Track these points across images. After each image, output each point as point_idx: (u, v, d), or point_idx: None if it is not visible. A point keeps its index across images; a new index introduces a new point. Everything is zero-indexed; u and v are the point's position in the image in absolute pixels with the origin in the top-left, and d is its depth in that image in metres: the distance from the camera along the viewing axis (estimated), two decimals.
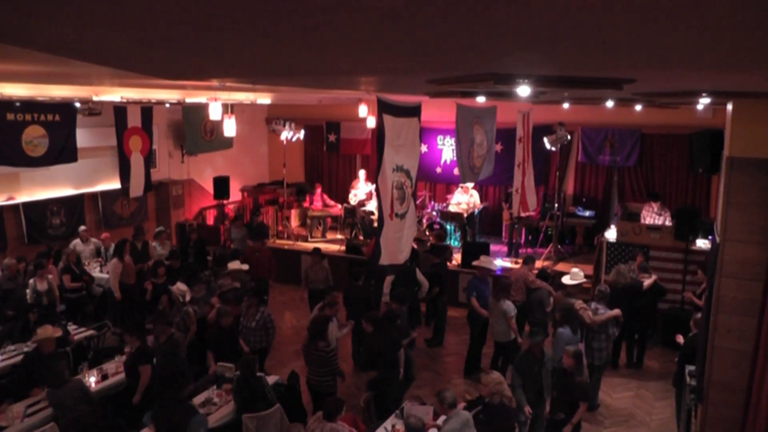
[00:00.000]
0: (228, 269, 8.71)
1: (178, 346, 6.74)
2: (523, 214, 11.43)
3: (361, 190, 13.27)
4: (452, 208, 12.23)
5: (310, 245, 12.89)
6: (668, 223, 10.33)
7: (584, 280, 7.97)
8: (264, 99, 12.04)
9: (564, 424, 5.88)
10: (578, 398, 5.92)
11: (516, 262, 11.10)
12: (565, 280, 8.00)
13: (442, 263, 9.65)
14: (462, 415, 5.10)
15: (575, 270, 8.07)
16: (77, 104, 9.99)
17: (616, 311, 7.35)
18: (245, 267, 8.76)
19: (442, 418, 5.85)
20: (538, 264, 11.08)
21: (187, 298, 7.75)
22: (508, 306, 7.68)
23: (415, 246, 9.85)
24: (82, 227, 10.64)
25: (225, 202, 13.85)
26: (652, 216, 10.71)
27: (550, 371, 6.35)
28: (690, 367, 6.48)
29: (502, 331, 7.77)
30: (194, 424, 5.38)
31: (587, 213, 12.30)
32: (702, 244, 9.74)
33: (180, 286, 7.83)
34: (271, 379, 6.62)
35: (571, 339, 6.80)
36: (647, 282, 8.51)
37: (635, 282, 8.49)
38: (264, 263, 9.73)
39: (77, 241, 10.34)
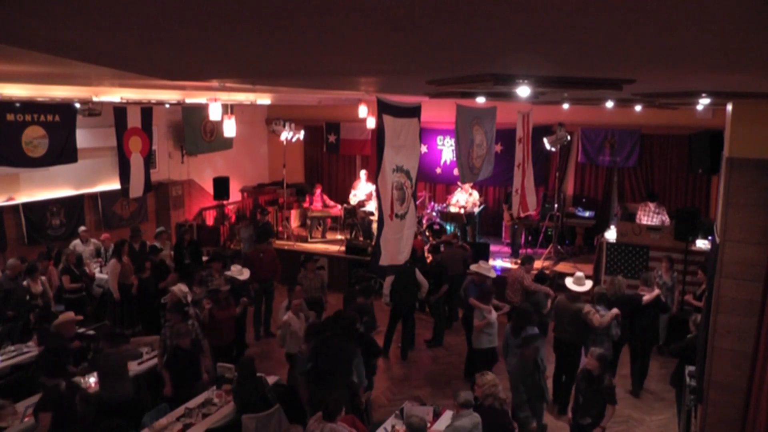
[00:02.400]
0: (231, 271, 8.63)
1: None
2: (522, 214, 11.43)
3: (361, 190, 13.27)
4: (452, 208, 12.24)
5: (310, 246, 12.91)
6: (666, 221, 10.31)
7: (590, 286, 7.70)
8: (264, 99, 12.04)
9: (590, 428, 5.86)
10: (607, 402, 5.87)
11: (515, 263, 11.10)
12: (570, 285, 7.69)
13: (441, 263, 9.66)
14: (475, 416, 5.10)
15: (579, 274, 7.73)
16: (77, 105, 10.00)
17: (615, 310, 7.21)
18: (245, 276, 8.56)
19: (444, 416, 5.87)
20: (537, 264, 11.09)
21: (189, 298, 7.75)
22: (477, 313, 7.65)
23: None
24: (82, 228, 10.64)
25: (225, 202, 13.85)
26: (649, 216, 10.70)
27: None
28: (690, 368, 6.48)
29: (480, 338, 7.71)
30: (357, 360, 6.11)
31: (587, 213, 12.31)
32: (702, 244, 9.73)
33: (181, 287, 7.82)
34: (271, 380, 6.62)
35: (512, 337, 6.62)
36: (647, 297, 7.78)
37: (634, 296, 7.82)
38: (268, 265, 9.68)
39: (77, 241, 10.34)
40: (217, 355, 7.29)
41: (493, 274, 8.43)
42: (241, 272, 8.54)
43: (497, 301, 8.57)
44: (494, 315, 7.64)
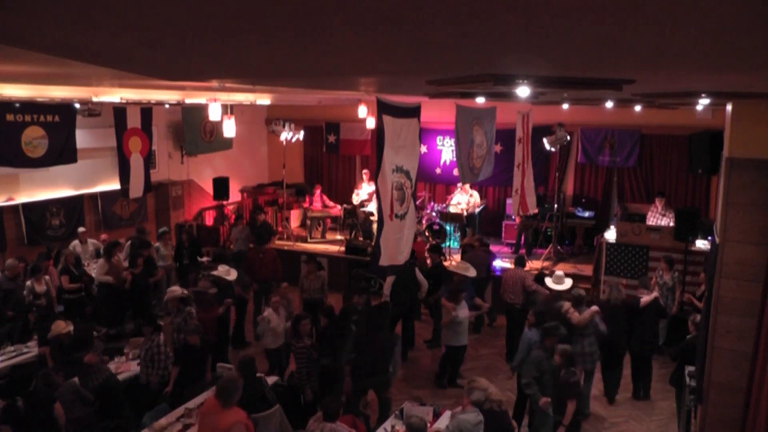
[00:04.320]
0: (217, 271, 8.52)
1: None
2: (522, 214, 11.43)
3: (364, 190, 13.27)
4: (452, 209, 12.24)
5: (309, 246, 12.91)
6: (672, 224, 10.29)
7: (570, 286, 7.69)
8: (263, 100, 12.03)
9: (560, 424, 5.87)
10: (566, 396, 5.87)
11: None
12: (550, 284, 7.74)
13: (441, 264, 9.65)
14: (480, 415, 5.12)
15: (559, 273, 7.78)
16: (77, 105, 10.00)
17: (595, 308, 7.20)
18: (232, 276, 8.48)
19: (444, 416, 5.87)
20: (537, 264, 11.09)
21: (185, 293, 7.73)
22: (444, 311, 7.79)
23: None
24: (81, 229, 10.61)
25: (224, 202, 13.84)
26: (656, 216, 10.70)
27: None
28: (690, 368, 6.48)
29: (448, 335, 7.83)
30: (396, 352, 6.49)
31: (587, 214, 12.29)
32: (702, 244, 9.73)
33: (174, 290, 7.77)
34: (271, 380, 6.63)
35: (538, 342, 6.62)
36: (644, 299, 7.72)
37: (632, 299, 7.84)
38: (268, 265, 9.68)
39: (76, 242, 10.34)
40: None
41: (472, 273, 8.41)
42: (228, 273, 8.46)
43: (480, 300, 8.58)
44: (463, 313, 7.75)
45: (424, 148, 13.39)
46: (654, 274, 9.14)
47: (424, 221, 12.47)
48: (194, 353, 6.62)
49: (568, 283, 7.80)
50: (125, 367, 7.11)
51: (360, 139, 14.71)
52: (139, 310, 9.13)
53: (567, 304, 7.25)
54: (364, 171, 13.68)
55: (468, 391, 5.26)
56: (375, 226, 9.63)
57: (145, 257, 9.47)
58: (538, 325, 6.74)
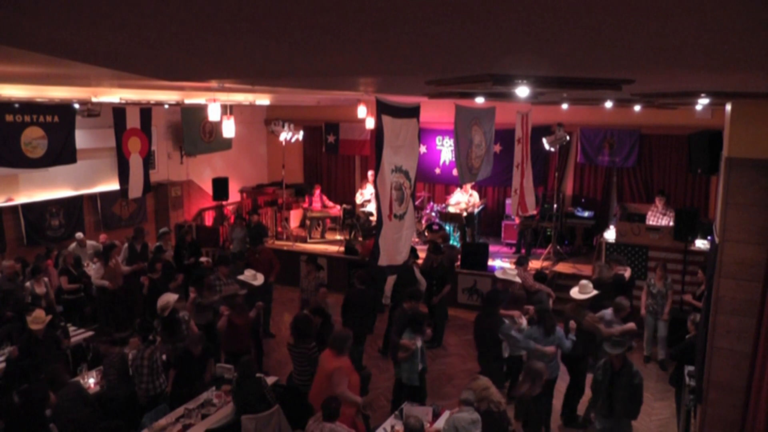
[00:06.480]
0: (244, 276, 8.33)
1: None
2: (521, 213, 11.42)
3: (368, 190, 13.26)
4: (451, 209, 12.24)
5: (309, 246, 12.91)
6: (672, 223, 10.26)
7: (595, 292, 7.38)
8: (263, 100, 12.04)
9: None
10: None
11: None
12: (575, 293, 7.39)
13: (443, 263, 9.63)
14: (475, 414, 5.10)
15: (584, 282, 7.45)
16: (76, 105, 10.00)
17: (631, 325, 6.93)
18: (258, 282, 8.32)
19: (444, 416, 5.87)
20: (537, 264, 11.09)
21: (166, 313, 7.51)
22: (510, 321, 7.22)
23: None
24: (79, 234, 10.48)
25: (224, 203, 13.84)
26: (657, 216, 10.69)
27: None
28: (689, 368, 6.48)
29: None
30: (505, 328, 6.89)
31: (586, 213, 12.30)
32: (701, 244, 9.73)
33: (166, 297, 7.63)
34: (270, 380, 6.62)
35: (539, 339, 6.50)
36: (627, 274, 8.66)
37: (618, 276, 8.58)
38: (264, 265, 9.68)
39: (75, 245, 10.31)
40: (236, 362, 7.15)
41: (519, 280, 8.15)
42: (255, 277, 8.30)
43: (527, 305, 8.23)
44: (525, 321, 7.25)
45: (423, 148, 13.40)
46: (646, 280, 9.07)
47: (423, 221, 12.48)
48: (193, 360, 6.56)
49: (590, 290, 7.38)
50: None
51: (359, 139, 14.71)
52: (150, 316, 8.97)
53: (590, 315, 7.05)
54: (370, 172, 13.63)
55: (463, 390, 5.26)
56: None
57: (163, 262, 9.33)
58: (539, 322, 6.69)
